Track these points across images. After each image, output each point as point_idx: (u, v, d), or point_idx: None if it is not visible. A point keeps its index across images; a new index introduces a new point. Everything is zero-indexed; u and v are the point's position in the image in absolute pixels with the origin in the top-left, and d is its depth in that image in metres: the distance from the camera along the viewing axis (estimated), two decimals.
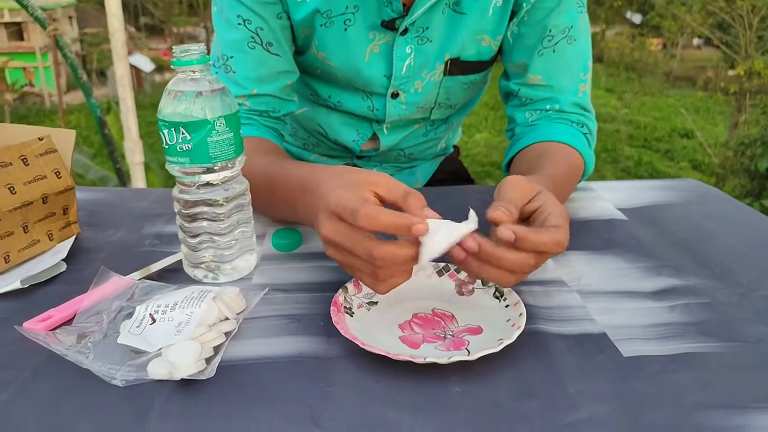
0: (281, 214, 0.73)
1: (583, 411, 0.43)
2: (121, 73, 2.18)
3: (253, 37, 0.80)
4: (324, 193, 0.54)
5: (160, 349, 0.49)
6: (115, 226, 0.77)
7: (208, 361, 0.48)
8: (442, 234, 0.49)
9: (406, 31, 0.82)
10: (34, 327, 0.53)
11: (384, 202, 0.52)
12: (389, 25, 0.81)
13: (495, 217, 0.51)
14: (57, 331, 0.52)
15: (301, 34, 0.84)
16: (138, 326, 0.51)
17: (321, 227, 0.52)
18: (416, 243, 0.49)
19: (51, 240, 0.70)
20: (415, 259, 0.50)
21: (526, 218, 0.55)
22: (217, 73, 0.83)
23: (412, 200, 0.51)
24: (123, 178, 2.63)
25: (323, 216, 0.52)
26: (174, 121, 0.58)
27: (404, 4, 0.80)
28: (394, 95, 0.89)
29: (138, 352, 0.49)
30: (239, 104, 0.82)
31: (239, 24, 0.79)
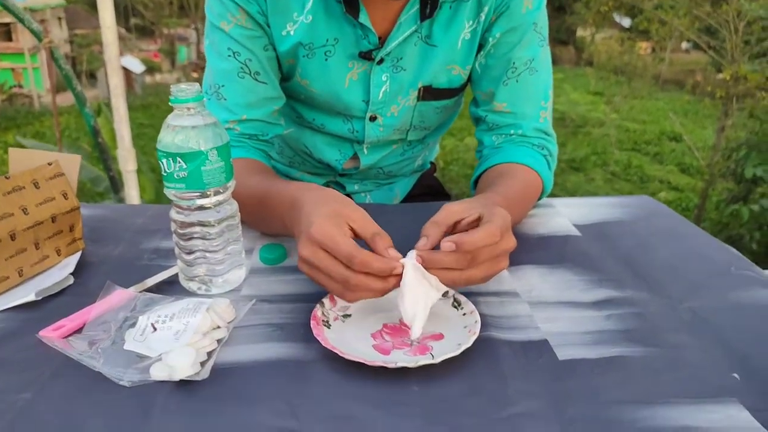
0: (271, 227, 0.80)
1: (519, 407, 0.51)
2: (114, 83, 2.25)
3: (242, 68, 0.88)
4: (307, 216, 0.62)
5: (160, 354, 0.56)
6: (115, 242, 0.84)
7: (203, 364, 0.55)
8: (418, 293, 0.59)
9: (381, 60, 0.90)
10: (50, 335, 0.60)
11: (356, 236, 0.61)
12: (366, 56, 0.89)
13: (418, 247, 0.61)
14: (70, 338, 0.60)
15: (286, 63, 0.92)
16: (141, 334, 0.58)
17: (301, 249, 0.60)
18: (387, 279, 0.59)
19: (59, 255, 0.77)
20: (383, 292, 0.59)
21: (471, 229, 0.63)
22: (209, 100, 0.90)
23: (379, 240, 0.60)
24: (116, 185, 2.69)
25: (305, 238, 0.60)
26: (171, 151, 0.65)
27: (380, 37, 0.88)
28: (372, 118, 0.97)
29: (142, 357, 0.56)
30: (230, 129, 0.90)
31: (229, 56, 0.87)
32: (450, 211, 0.63)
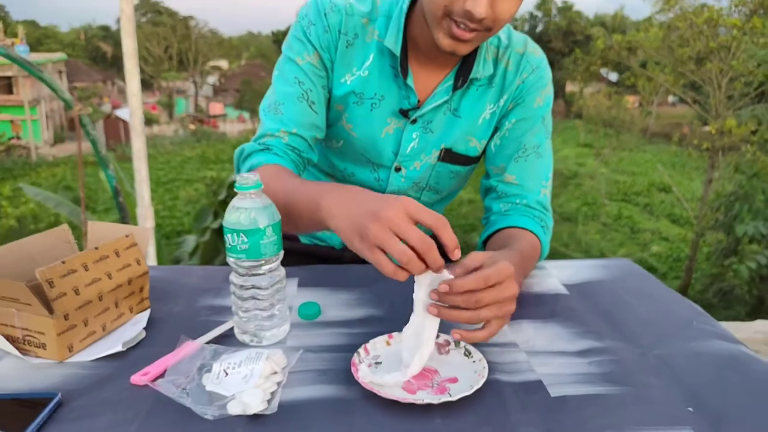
0: (303, 213, 0.88)
1: None
2: (137, 147, 2.43)
3: (303, 94, 1.07)
4: (385, 196, 0.75)
5: (234, 394, 0.70)
6: (175, 300, 0.99)
7: (269, 402, 0.70)
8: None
9: (415, 120, 1.10)
10: (140, 379, 0.74)
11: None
12: (404, 113, 1.10)
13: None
14: (157, 382, 0.74)
15: (335, 108, 1.12)
16: (217, 378, 0.73)
17: (391, 206, 0.71)
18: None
19: (131, 312, 0.92)
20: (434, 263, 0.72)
21: None
22: (266, 115, 1.09)
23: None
24: None
25: (394, 203, 0.72)
26: (236, 228, 0.81)
27: (418, 101, 1.09)
28: (397, 169, 1.16)
29: (220, 396, 0.70)
30: (279, 137, 1.07)
31: (295, 83, 1.07)
32: (474, 258, 0.78)
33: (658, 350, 0.83)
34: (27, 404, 0.69)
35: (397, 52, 1.05)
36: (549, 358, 0.81)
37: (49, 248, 0.93)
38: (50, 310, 0.78)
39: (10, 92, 28.23)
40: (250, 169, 1.03)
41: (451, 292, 0.73)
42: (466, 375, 0.76)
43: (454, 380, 0.76)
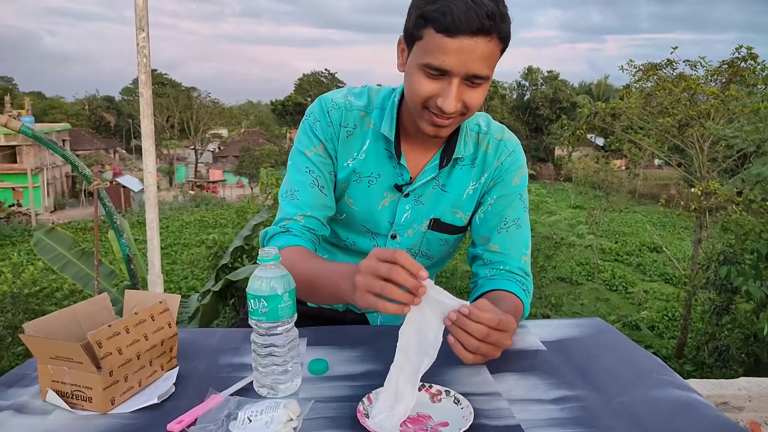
0: (326, 293, 1.10)
1: None
2: (151, 218, 2.58)
3: (314, 181, 1.25)
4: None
5: None
6: (197, 359, 1.12)
7: None
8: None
9: (408, 194, 1.27)
10: (175, 427, 0.86)
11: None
12: (399, 188, 1.26)
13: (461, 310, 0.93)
14: (191, 428, 0.86)
15: (339, 188, 1.29)
16: (242, 424, 0.85)
17: (361, 265, 0.93)
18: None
19: (162, 370, 1.04)
20: (411, 284, 0.89)
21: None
22: (284, 200, 1.26)
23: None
24: None
25: (365, 260, 0.92)
26: (258, 294, 0.95)
27: (411, 177, 1.25)
28: (393, 236, 1.31)
29: None
30: (296, 221, 1.24)
31: (306, 172, 1.25)
32: (483, 306, 0.95)
33: (621, 397, 0.95)
34: None
35: (392, 137, 1.23)
36: (527, 405, 0.93)
37: (92, 313, 1.06)
38: (98, 368, 0.91)
39: (14, 161, 28.78)
40: None
41: (469, 316, 0.90)
42: (455, 420, 0.89)
43: (445, 424, 0.88)
